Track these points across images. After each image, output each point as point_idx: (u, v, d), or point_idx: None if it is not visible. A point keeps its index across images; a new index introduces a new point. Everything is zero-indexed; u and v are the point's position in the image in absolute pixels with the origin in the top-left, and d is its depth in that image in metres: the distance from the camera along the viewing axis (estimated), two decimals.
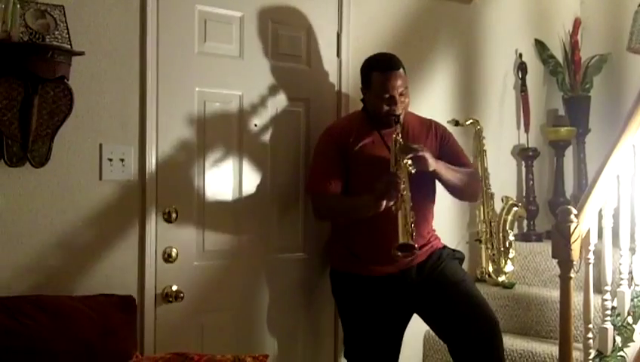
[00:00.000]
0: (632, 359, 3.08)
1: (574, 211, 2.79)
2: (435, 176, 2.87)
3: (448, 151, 3.05)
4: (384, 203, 2.66)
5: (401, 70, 2.90)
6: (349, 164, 2.94)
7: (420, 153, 2.73)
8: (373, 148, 2.93)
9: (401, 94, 2.87)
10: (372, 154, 2.92)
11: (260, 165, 3.08)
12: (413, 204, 2.75)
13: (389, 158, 2.80)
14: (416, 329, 3.33)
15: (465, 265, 3.23)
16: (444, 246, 3.08)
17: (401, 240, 2.59)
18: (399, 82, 2.87)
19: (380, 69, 2.88)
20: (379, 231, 2.77)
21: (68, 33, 2.48)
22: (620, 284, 3.15)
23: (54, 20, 2.44)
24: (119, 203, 2.68)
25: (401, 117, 2.88)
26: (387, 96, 2.86)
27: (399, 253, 2.60)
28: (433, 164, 2.78)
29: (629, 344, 3.08)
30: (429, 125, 3.10)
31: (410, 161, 2.72)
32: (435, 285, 2.94)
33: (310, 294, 3.23)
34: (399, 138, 2.79)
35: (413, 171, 2.71)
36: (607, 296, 3.02)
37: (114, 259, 2.67)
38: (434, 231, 3.09)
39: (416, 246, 2.61)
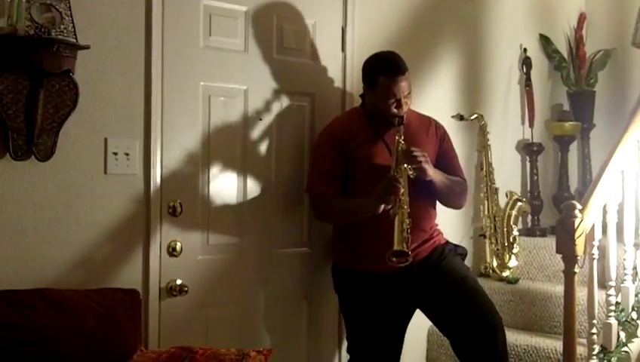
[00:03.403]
0: (637, 354, 3.08)
1: (579, 206, 2.79)
2: (430, 183, 2.89)
3: (444, 153, 3.08)
4: (382, 206, 2.72)
5: (407, 73, 2.90)
6: (350, 162, 2.95)
7: (422, 161, 2.78)
8: (372, 146, 2.94)
9: (405, 96, 2.89)
10: (372, 151, 2.93)
11: (265, 159, 3.08)
12: (417, 199, 2.82)
13: (389, 156, 2.84)
14: (420, 325, 3.33)
15: (469, 260, 3.23)
16: (447, 242, 3.09)
17: (395, 247, 2.63)
18: (405, 85, 2.87)
19: (388, 74, 2.86)
20: (380, 227, 2.76)
21: (73, 27, 2.47)
22: (624, 280, 3.15)
23: (60, 14, 2.44)
24: (124, 197, 2.68)
25: (405, 117, 2.89)
26: (393, 100, 2.87)
27: (394, 259, 2.64)
28: (431, 173, 2.84)
29: (633, 339, 3.09)
30: (429, 122, 3.11)
31: (410, 166, 2.77)
32: (438, 281, 2.94)
33: (314, 289, 3.23)
34: (402, 141, 2.81)
35: (412, 176, 2.78)
36: (612, 291, 3.02)
37: (118, 253, 2.67)
38: (437, 225, 3.10)
39: (410, 253, 2.64)
